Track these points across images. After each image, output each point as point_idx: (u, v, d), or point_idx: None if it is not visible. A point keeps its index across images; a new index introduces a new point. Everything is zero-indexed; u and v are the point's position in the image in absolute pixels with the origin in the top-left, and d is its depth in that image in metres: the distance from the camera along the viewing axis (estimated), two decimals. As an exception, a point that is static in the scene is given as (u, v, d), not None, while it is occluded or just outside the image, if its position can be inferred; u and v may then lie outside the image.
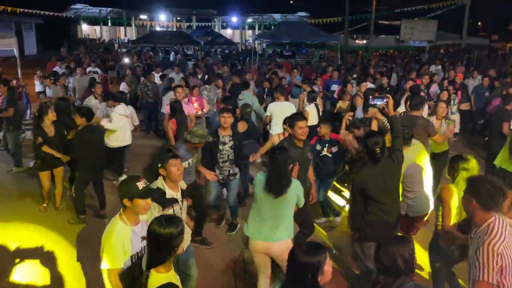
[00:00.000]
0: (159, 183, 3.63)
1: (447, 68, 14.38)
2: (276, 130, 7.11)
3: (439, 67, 15.11)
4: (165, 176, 3.62)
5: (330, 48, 22.42)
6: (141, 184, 2.89)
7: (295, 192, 3.77)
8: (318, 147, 5.80)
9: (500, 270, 2.59)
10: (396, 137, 4.04)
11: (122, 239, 2.84)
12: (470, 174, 3.64)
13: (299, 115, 4.81)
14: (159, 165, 3.64)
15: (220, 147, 5.38)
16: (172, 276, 2.53)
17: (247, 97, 8.38)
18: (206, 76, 12.81)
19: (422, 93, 8.79)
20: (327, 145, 5.74)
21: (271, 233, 3.75)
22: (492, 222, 2.67)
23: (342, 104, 8.72)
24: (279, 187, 3.66)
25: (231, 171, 5.52)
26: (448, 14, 23.80)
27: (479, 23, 41.27)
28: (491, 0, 33.52)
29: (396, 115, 4.60)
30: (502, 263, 2.58)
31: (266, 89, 10.92)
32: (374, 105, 4.33)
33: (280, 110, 7.49)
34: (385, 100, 4.18)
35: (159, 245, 2.44)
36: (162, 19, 40.61)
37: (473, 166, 3.79)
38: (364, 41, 29.00)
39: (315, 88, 10.20)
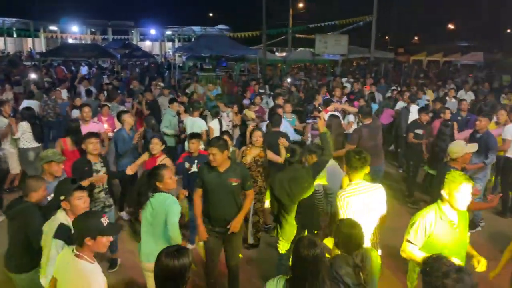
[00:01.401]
0: (61, 217, 3.26)
1: (357, 81, 15.24)
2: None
3: (352, 80, 15.99)
4: (67, 210, 3.27)
5: (250, 61, 22.78)
6: (105, 221, 2.63)
7: (163, 208, 3.66)
8: (187, 164, 5.41)
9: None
10: (324, 154, 4.54)
11: (99, 282, 2.61)
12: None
13: (212, 140, 4.19)
14: (62, 197, 3.29)
15: (94, 175, 4.82)
16: None
17: (168, 113, 8.32)
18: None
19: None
20: (196, 161, 5.38)
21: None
22: (356, 182, 3.71)
23: (248, 113, 9.00)
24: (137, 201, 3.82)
25: (106, 202, 5.00)
26: (359, 29, 25.33)
27: (386, 37, 44.60)
28: (396, 16, 36.49)
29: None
30: (351, 210, 3.54)
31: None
32: (308, 123, 5.16)
33: (190, 125, 7.50)
34: (316, 119, 4.78)
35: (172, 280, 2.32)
36: (75, 31, 38.51)
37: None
38: (284, 54, 29.89)
39: (246, 101, 10.49)
